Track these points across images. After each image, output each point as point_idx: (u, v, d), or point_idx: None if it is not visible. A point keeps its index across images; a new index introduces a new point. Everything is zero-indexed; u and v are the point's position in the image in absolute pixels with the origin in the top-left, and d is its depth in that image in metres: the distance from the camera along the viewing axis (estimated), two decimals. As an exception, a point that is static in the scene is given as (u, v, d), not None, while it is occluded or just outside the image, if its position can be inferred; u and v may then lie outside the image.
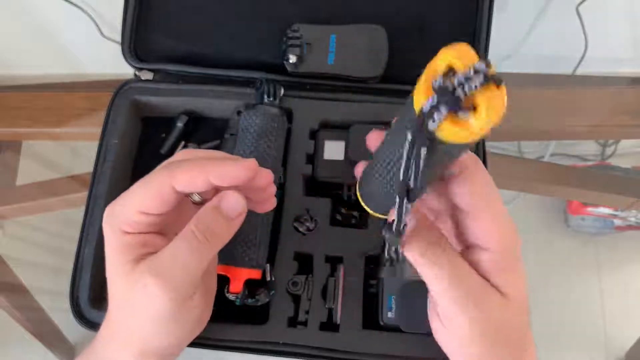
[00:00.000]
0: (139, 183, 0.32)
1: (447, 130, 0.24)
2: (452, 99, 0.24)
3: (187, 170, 0.31)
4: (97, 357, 0.34)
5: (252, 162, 0.32)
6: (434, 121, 0.24)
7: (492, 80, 0.25)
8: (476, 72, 0.25)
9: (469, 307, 0.30)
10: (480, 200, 0.30)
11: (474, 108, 0.24)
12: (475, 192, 0.30)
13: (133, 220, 0.32)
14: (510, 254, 0.31)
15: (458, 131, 0.24)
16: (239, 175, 0.31)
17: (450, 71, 0.26)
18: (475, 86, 0.24)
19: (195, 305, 0.33)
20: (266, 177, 0.34)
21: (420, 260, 0.30)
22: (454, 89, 0.25)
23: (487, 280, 0.30)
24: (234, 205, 0.31)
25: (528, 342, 0.33)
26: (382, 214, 0.34)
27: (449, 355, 0.33)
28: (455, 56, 0.27)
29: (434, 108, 0.24)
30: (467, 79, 0.25)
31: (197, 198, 0.34)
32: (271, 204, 0.38)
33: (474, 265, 0.31)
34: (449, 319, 0.31)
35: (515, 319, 0.31)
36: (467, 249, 0.32)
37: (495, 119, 0.24)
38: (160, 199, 0.31)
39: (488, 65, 0.25)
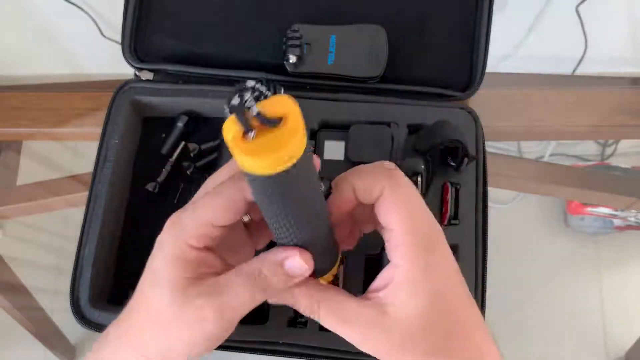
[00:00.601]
0: (210, 194, 0.31)
1: (236, 152, 0.24)
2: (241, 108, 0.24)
3: None
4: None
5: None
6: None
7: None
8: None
9: (368, 345, 0.31)
10: (397, 214, 0.30)
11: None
12: (393, 214, 0.30)
13: (201, 233, 0.31)
14: (413, 235, 0.30)
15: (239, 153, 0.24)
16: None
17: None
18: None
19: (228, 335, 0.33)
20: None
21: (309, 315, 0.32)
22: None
23: (389, 260, 0.31)
24: (297, 267, 0.31)
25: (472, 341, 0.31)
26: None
27: None
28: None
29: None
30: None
31: (246, 218, 0.34)
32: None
33: (387, 248, 0.31)
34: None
35: (417, 329, 0.30)
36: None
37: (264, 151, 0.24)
38: (234, 209, 0.30)
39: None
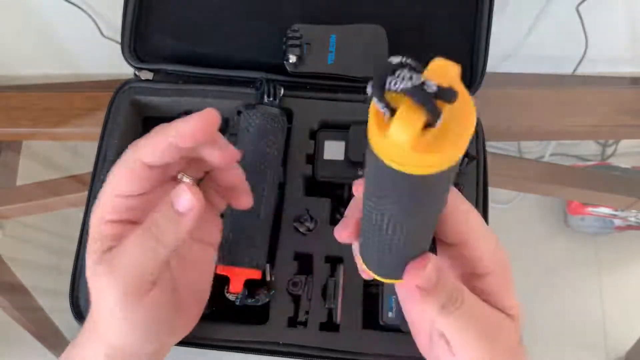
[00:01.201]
0: (112, 169, 0.32)
1: (374, 138, 0.20)
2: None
3: (149, 138, 0.31)
4: (76, 352, 0.35)
5: (209, 111, 0.31)
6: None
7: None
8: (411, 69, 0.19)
9: (487, 342, 0.29)
10: (474, 232, 0.29)
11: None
12: (465, 226, 0.29)
13: (111, 207, 0.32)
14: (509, 273, 0.30)
15: (380, 141, 0.19)
16: (195, 126, 0.30)
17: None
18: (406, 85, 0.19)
19: (155, 303, 0.32)
20: (231, 154, 0.34)
21: (438, 313, 0.28)
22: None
23: (496, 305, 0.30)
24: (184, 199, 0.30)
25: (522, 352, 0.32)
26: (392, 279, 0.30)
27: None
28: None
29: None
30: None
31: (186, 179, 0.34)
32: (246, 199, 0.38)
33: (479, 292, 0.30)
34: (464, 352, 0.30)
35: (518, 337, 0.31)
36: (466, 276, 0.31)
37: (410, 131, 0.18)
38: (131, 176, 0.31)
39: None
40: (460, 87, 0.19)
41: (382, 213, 0.24)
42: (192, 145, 0.31)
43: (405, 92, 0.18)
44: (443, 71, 0.19)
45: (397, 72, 0.19)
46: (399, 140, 0.18)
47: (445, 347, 0.31)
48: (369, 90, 0.20)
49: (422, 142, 0.18)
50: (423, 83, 0.18)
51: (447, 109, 0.18)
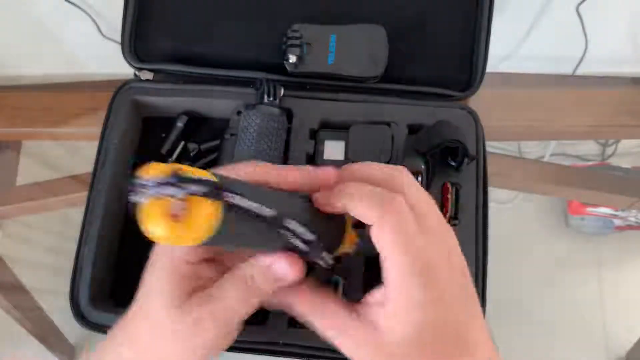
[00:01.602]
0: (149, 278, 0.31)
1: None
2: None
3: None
4: None
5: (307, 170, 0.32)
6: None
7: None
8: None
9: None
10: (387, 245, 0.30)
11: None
12: (383, 243, 0.30)
13: (192, 248, 0.31)
14: (405, 264, 0.29)
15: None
16: (296, 177, 0.31)
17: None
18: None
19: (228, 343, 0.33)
20: (329, 174, 0.33)
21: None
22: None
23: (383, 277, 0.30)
24: (283, 271, 0.31)
25: None
26: None
27: None
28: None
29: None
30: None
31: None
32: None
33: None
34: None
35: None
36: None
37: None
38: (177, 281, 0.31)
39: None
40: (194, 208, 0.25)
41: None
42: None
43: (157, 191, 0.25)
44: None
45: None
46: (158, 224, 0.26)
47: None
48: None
49: (174, 227, 0.25)
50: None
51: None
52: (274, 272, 0.31)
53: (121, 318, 0.33)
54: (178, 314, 0.30)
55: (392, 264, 0.30)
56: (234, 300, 0.30)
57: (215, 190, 0.24)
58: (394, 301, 0.29)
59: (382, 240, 0.30)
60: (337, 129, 0.51)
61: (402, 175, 0.31)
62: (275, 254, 0.31)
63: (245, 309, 0.31)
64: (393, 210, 0.29)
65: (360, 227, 0.33)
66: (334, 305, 0.32)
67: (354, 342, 0.30)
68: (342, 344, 0.31)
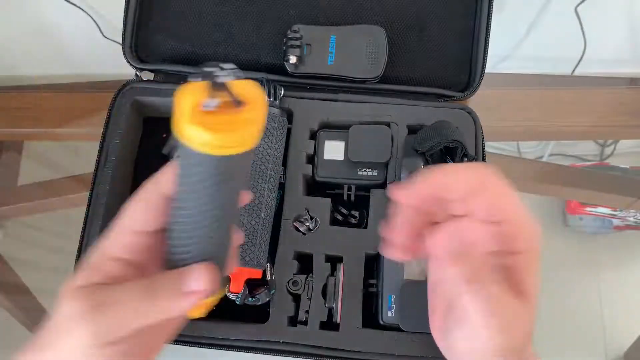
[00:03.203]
0: (127, 204, 0.30)
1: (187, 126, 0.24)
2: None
3: (168, 171, 0.29)
4: None
5: None
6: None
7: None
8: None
9: (506, 332, 0.30)
10: (512, 211, 0.30)
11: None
12: (505, 205, 0.30)
13: (122, 244, 0.30)
14: (538, 254, 0.31)
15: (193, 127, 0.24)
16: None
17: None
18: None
19: (117, 354, 0.29)
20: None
21: (464, 287, 0.29)
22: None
23: (517, 286, 0.30)
24: (196, 281, 0.29)
25: (529, 343, 0.33)
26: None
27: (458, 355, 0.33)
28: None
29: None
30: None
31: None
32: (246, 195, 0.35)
33: (506, 269, 0.30)
34: (484, 335, 0.30)
35: (532, 322, 0.31)
36: (500, 254, 0.31)
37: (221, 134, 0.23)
38: (148, 209, 0.29)
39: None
40: (258, 106, 0.24)
41: (186, 210, 0.27)
42: None
43: (203, 74, 0.23)
44: (250, 89, 0.25)
45: (220, 66, 0.24)
46: (182, 105, 0.24)
47: (461, 321, 0.31)
48: (196, 79, 0.24)
49: (202, 119, 0.23)
50: (219, 77, 0.24)
51: (235, 112, 0.24)
52: (183, 282, 0.29)
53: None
54: (79, 300, 0.29)
55: (520, 216, 0.30)
56: (131, 302, 0.28)
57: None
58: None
59: (498, 198, 0.30)
60: (337, 129, 0.51)
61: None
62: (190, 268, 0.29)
63: (141, 321, 0.28)
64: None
65: None
66: (490, 275, 0.30)
67: (500, 316, 0.30)
68: (487, 319, 0.29)
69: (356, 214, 0.49)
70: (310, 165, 0.50)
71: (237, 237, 0.32)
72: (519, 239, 0.30)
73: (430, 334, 0.43)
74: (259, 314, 0.46)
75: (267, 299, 0.45)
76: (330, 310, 0.45)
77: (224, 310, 0.46)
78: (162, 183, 0.30)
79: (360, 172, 0.49)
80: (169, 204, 0.29)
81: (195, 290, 0.29)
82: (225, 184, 0.26)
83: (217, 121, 0.23)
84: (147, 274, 0.30)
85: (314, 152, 0.50)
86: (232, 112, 0.24)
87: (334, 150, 0.50)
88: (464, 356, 0.32)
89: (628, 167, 1.17)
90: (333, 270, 0.46)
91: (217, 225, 0.28)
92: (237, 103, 0.24)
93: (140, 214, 0.30)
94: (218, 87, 0.23)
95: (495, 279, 0.30)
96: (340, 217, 0.49)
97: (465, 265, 0.29)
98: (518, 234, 0.30)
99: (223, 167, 0.25)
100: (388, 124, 0.50)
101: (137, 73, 0.55)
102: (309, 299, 0.45)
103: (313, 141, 0.50)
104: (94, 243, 0.32)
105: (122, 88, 0.53)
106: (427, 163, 0.47)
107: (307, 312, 0.45)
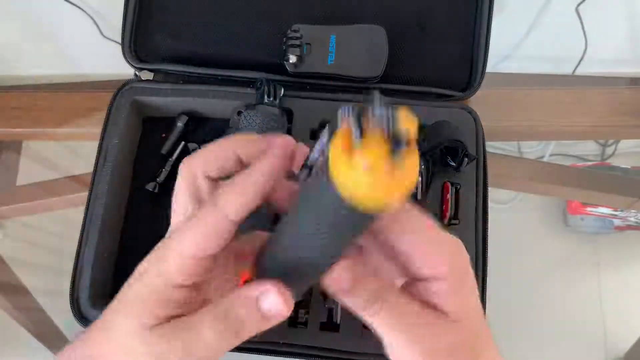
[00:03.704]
0: (191, 222, 0.28)
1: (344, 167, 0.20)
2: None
3: (234, 188, 0.27)
4: None
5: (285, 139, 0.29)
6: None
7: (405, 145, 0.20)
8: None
9: (418, 343, 0.28)
10: (417, 237, 0.28)
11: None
12: (409, 233, 0.28)
13: (182, 269, 0.27)
14: (460, 277, 0.29)
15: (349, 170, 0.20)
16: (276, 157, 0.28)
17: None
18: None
19: None
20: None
21: (362, 313, 0.28)
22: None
23: (441, 309, 0.29)
24: (275, 308, 0.28)
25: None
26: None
27: None
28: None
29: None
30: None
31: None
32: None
33: (424, 296, 0.29)
34: (396, 351, 0.29)
35: (467, 341, 0.29)
36: (411, 281, 0.30)
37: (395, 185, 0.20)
38: (213, 234, 0.27)
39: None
40: (413, 141, 0.20)
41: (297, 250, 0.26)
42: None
43: (376, 118, 0.19)
44: (408, 121, 0.20)
45: (379, 106, 0.19)
46: (366, 164, 0.19)
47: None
48: (346, 113, 0.20)
49: (389, 177, 0.19)
50: (393, 121, 0.19)
51: (397, 155, 0.20)
52: (261, 307, 0.28)
53: (83, 333, 0.30)
54: (149, 340, 0.27)
55: (432, 244, 0.28)
56: (206, 337, 0.27)
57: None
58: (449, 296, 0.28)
59: (410, 228, 0.28)
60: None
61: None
62: (266, 283, 0.28)
63: (220, 347, 0.28)
64: (470, 279, 0.29)
65: None
66: (403, 296, 0.29)
67: (412, 334, 0.28)
68: (398, 335, 0.28)
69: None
70: (310, 165, 0.49)
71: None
72: (423, 267, 0.28)
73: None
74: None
75: (267, 300, 0.45)
76: (330, 311, 0.45)
77: (223, 311, 0.46)
78: (227, 209, 0.27)
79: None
80: (232, 228, 0.27)
81: (271, 310, 0.28)
82: (351, 236, 0.24)
83: (398, 173, 0.19)
84: (203, 292, 0.29)
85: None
86: (396, 156, 0.19)
87: (334, 150, 0.50)
88: None
89: (629, 167, 1.17)
90: (333, 270, 0.46)
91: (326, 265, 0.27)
92: (402, 145, 0.19)
93: (201, 239, 0.27)
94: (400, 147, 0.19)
95: (401, 301, 0.28)
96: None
97: (357, 295, 0.28)
98: (419, 263, 0.28)
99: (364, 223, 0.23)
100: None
101: (137, 73, 0.55)
102: (309, 299, 0.45)
103: (313, 141, 0.50)
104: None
105: (122, 88, 0.52)
106: (427, 163, 0.47)
107: (307, 312, 0.45)
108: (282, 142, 0.29)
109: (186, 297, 0.28)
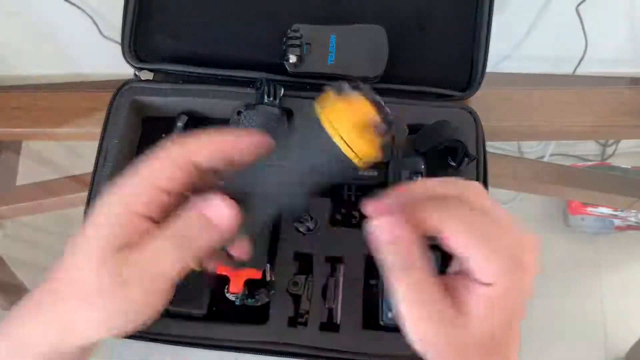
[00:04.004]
0: (155, 156, 0.29)
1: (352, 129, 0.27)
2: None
3: (202, 139, 0.30)
4: (15, 337, 0.30)
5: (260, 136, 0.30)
6: None
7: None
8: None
9: (418, 332, 0.29)
10: (468, 246, 0.28)
11: None
12: (461, 241, 0.28)
13: (148, 198, 0.29)
14: (509, 291, 0.29)
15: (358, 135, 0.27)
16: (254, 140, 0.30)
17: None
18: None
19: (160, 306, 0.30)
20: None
21: (387, 273, 0.29)
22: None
23: (464, 308, 0.29)
24: (221, 209, 0.29)
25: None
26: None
27: None
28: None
29: None
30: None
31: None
32: None
33: (459, 286, 0.29)
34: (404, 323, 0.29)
35: (472, 348, 0.29)
36: (459, 274, 0.30)
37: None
38: (176, 171, 0.29)
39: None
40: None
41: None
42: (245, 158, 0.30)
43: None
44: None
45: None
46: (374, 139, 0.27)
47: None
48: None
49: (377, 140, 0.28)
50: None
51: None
52: (206, 213, 0.29)
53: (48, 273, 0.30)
54: (108, 268, 0.28)
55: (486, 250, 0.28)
56: (164, 257, 0.28)
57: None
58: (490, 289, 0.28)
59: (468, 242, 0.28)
60: (337, 129, 0.50)
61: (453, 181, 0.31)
62: (209, 197, 0.29)
63: (178, 267, 0.29)
64: (523, 276, 0.29)
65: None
66: (431, 278, 0.29)
67: (433, 323, 0.29)
68: (418, 319, 0.28)
69: (356, 214, 0.49)
70: (310, 165, 0.49)
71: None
72: (480, 274, 0.28)
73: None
74: (259, 315, 0.45)
75: (267, 300, 0.45)
76: (330, 310, 0.45)
77: (223, 312, 0.46)
78: (194, 151, 0.29)
79: (360, 172, 0.49)
80: (193, 172, 0.29)
81: (216, 214, 0.29)
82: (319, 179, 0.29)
83: (376, 142, 0.27)
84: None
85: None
86: (380, 134, 0.27)
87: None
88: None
89: (629, 167, 1.17)
90: (333, 270, 0.46)
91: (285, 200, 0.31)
92: (388, 126, 0.27)
93: (167, 172, 0.29)
94: (387, 122, 0.27)
95: (425, 283, 0.29)
96: (340, 217, 0.49)
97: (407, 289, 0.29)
98: (481, 270, 0.28)
99: (345, 170, 0.28)
100: (388, 124, 0.50)
101: (136, 72, 0.55)
102: (309, 299, 0.45)
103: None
104: (106, 189, 0.30)
105: (121, 88, 0.52)
106: (427, 163, 0.47)
107: (307, 312, 0.45)
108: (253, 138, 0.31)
109: (145, 229, 0.29)
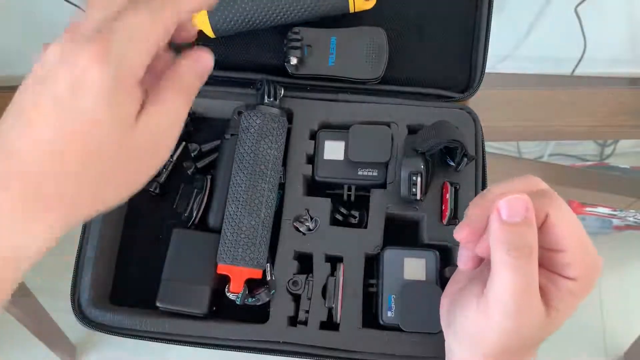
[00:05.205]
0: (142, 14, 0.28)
1: None
2: None
3: None
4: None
5: None
6: None
7: None
8: None
9: (516, 319, 0.30)
10: (570, 238, 0.31)
11: None
12: (565, 232, 0.31)
13: (144, 62, 0.28)
14: (587, 289, 0.32)
15: None
16: None
17: None
18: None
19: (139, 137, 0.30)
20: None
21: (504, 257, 0.30)
22: None
23: (550, 299, 0.31)
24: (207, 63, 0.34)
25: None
26: None
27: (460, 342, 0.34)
28: None
29: None
30: None
31: None
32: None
33: (550, 286, 0.32)
34: (489, 315, 0.31)
35: (543, 335, 0.32)
36: (545, 269, 0.32)
37: None
38: (173, 24, 0.30)
39: None
40: None
41: None
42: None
43: None
44: None
45: None
46: None
47: (477, 296, 0.32)
48: None
49: None
50: None
51: None
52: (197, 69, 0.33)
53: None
54: (129, 136, 0.29)
55: (580, 249, 0.32)
56: (173, 97, 0.31)
57: None
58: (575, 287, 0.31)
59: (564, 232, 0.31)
60: (337, 129, 0.51)
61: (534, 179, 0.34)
62: None
63: (183, 104, 0.32)
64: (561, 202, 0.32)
65: None
66: (534, 261, 0.31)
67: (523, 305, 0.30)
68: (508, 300, 0.30)
69: (356, 214, 0.49)
70: (310, 165, 0.50)
71: None
72: (569, 269, 0.31)
73: (431, 334, 0.43)
74: (259, 314, 0.46)
75: (267, 299, 0.45)
76: (330, 310, 0.45)
77: (223, 311, 0.47)
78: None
79: (360, 172, 0.49)
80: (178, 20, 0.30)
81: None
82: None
83: None
84: None
85: (314, 152, 0.50)
86: None
87: (334, 150, 0.50)
88: (466, 338, 0.32)
89: (628, 167, 1.17)
90: (333, 270, 0.46)
91: None
92: None
93: (162, 32, 0.30)
94: None
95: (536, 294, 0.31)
96: (340, 217, 0.49)
97: (517, 274, 0.30)
98: (571, 265, 0.31)
99: None
100: (388, 124, 0.50)
101: (137, 73, 0.55)
102: (309, 299, 0.45)
103: (313, 141, 0.50)
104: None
105: (122, 88, 0.52)
106: (427, 163, 0.47)
107: (307, 312, 0.45)
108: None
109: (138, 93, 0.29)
